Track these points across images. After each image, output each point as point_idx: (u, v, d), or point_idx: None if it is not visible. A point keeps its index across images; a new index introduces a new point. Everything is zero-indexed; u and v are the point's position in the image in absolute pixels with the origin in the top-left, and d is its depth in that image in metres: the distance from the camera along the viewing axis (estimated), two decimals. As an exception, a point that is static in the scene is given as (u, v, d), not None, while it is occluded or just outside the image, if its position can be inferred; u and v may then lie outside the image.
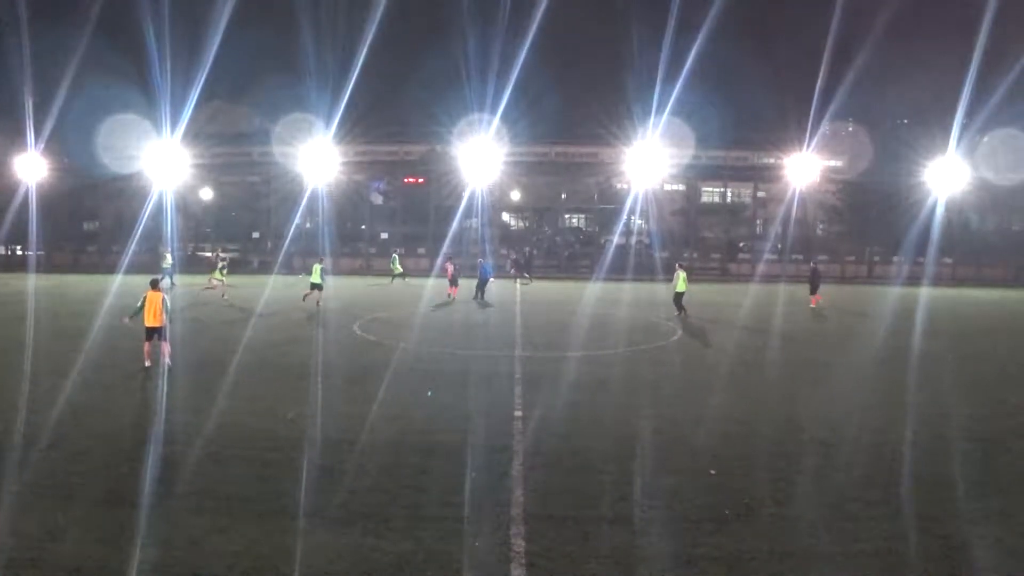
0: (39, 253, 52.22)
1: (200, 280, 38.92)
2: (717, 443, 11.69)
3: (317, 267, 30.30)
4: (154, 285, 17.03)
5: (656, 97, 45.17)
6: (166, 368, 16.24)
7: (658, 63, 43.68)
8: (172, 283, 37.24)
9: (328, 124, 49.58)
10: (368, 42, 43.79)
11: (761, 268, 49.00)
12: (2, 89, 52.99)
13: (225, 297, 31.52)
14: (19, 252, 54.61)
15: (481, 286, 31.44)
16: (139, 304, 16.64)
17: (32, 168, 52.04)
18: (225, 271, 33.51)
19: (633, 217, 55.30)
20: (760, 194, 60.07)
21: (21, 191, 51.51)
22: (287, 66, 61.62)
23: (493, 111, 48.04)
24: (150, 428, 12.40)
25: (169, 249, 41.23)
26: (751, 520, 8.71)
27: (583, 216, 63.79)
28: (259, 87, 59.53)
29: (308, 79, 51.27)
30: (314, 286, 29.45)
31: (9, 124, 52.22)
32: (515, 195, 60.24)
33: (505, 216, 61.85)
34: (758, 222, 60.43)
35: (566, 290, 37.86)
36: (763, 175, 58.06)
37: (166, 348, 16.63)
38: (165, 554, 7.86)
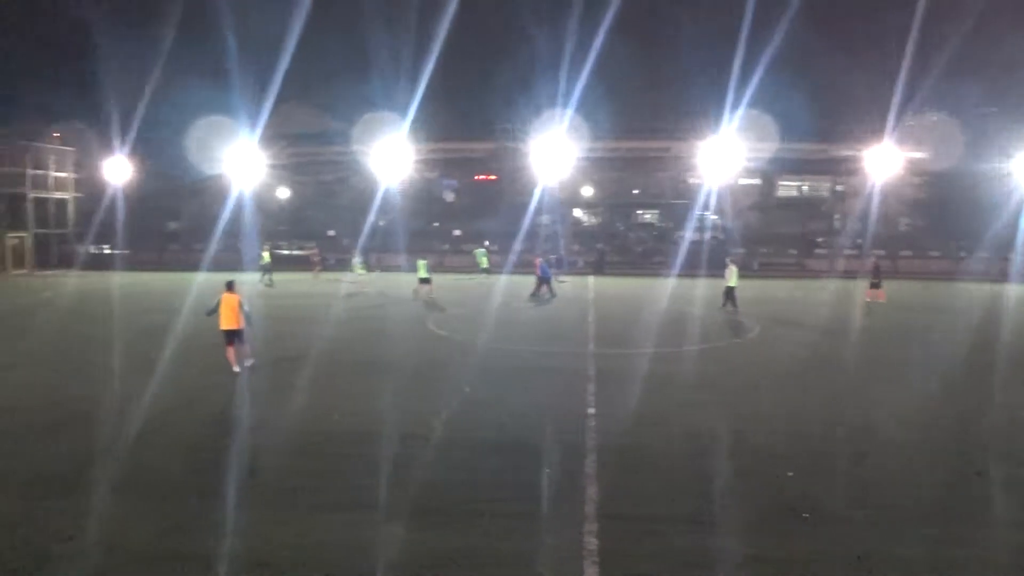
0: (125, 252, 54.32)
1: (293, 277, 40.01)
2: (793, 443, 11.50)
3: (422, 263, 31.70)
4: (230, 287, 16.37)
5: (731, 90, 44.38)
6: (248, 369, 16.37)
7: (733, 55, 42.89)
8: (270, 281, 37.98)
9: (401, 122, 50.15)
10: (441, 40, 44.09)
11: (840, 264, 47.78)
12: (90, 95, 55.07)
13: (366, 291, 32.55)
14: (106, 251, 56.67)
15: (541, 284, 31.29)
16: (213, 304, 16.26)
17: (118, 170, 54.05)
18: (364, 267, 34.46)
19: (707, 212, 54.51)
20: (839, 187, 58.55)
21: (108, 193, 53.63)
22: (360, 66, 62.34)
23: (565, 107, 47.95)
24: (233, 422, 12.79)
25: (267, 247, 42.06)
26: (828, 523, 8.55)
27: (656, 211, 63.10)
28: (333, 87, 60.47)
29: (381, 78, 51.92)
30: (422, 280, 31.09)
31: (97, 128, 54.34)
32: (587, 191, 59.96)
33: (577, 212, 61.59)
34: (836, 216, 58.86)
35: (639, 286, 37.54)
36: (842, 168, 56.40)
37: (246, 350, 16.53)
38: (238, 543, 8.12)
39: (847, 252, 50.40)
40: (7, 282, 43.48)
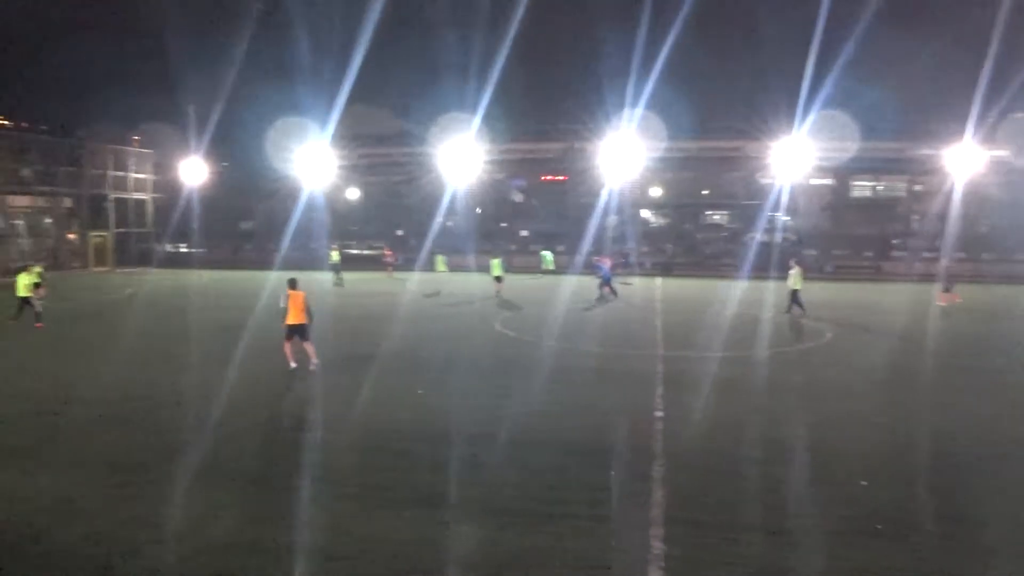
0: (201, 250, 56.01)
1: (363, 276, 40.66)
2: (867, 452, 11.18)
3: (496, 262, 32.17)
4: (292, 284, 16.71)
5: (805, 87, 43.42)
6: (313, 368, 16.54)
7: (808, 52, 41.94)
8: (339, 280, 38.63)
9: (470, 123, 50.44)
10: (510, 40, 44.19)
11: (917, 266, 46.38)
12: (168, 98, 56.82)
13: (446, 289, 33.05)
14: (182, 249, 58.42)
15: (602, 286, 31.05)
16: (282, 304, 16.52)
17: (194, 172, 55.64)
18: (445, 266, 34.93)
19: (778, 213, 53.52)
20: (916, 187, 56.88)
21: (185, 193, 55.28)
22: (431, 67, 63.02)
23: (635, 106, 47.54)
24: (306, 417, 13.02)
25: (336, 247, 42.78)
26: (902, 536, 8.29)
27: (726, 212, 62.21)
28: (404, 89, 61.29)
29: (451, 79, 52.30)
30: (496, 279, 31.66)
31: (174, 131, 56.08)
32: (655, 191, 59.50)
33: (645, 213, 61.13)
34: (914, 217, 57.16)
35: (707, 289, 37.04)
36: (920, 167, 54.73)
37: (310, 348, 16.71)
38: (308, 536, 8.29)
39: (926, 254, 48.86)
40: (90, 279, 45.13)
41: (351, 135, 56.08)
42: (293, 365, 16.42)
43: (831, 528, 8.41)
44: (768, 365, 17.96)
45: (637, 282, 38.37)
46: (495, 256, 33.44)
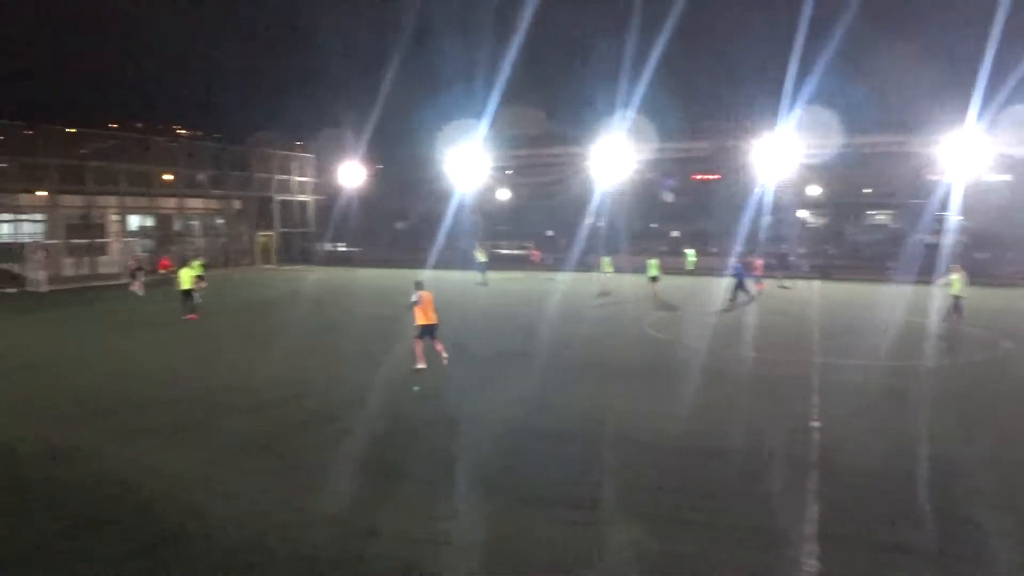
0: (358, 249, 58.38)
1: (510, 275, 41.19)
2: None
3: (653, 261, 32.10)
4: (420, 286, 16.88)
5: (984, 75, 40.25)
6: (445, 363, 16.77)
7: (986, 36, 38.96)
8: (484, 280, 39.25)
9: (620, 123, 50.06)
10: (664, 38, 43.58)
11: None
12: (328, 104, 59.53)
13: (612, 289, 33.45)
14: (341, 248, 60.98)
15: (736, 288, 29.94)
16: (413, 300, 16.73)
17: (353, 174, 57.93)
18: (611, 267, 35.26)
19: (947, 212, 50.18)
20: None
21: (344, 195, 57.70)
22: (582, 67, 63.08)
23: (793, 102, 45.72)
24: (446, 414, 13.21)
25: (482, 246, 43.50)
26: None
27: (889, 212, 58.94)
28: (555, 90, 61.60)
29: (601, 79, 52.18)
30: (652, 279, 31.49)
31: (334, 135, 58.71)
32: (813, 190, 57.07)
33: (802, 213, 58.78)
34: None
35: (868, 293, 35.13)
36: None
37: (440, 347, 16.95)
38: (446, 527, 8.50)
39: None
40: (257, 275, 47.77)
41: (503, 136, 56.80)
42: (422, 366, 16.57)
43: (1002, 556, 7.76)
44: (935, 376, 16.80)
45: (794, 285, 36.76)
46: (652, 257, 33.10)
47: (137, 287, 34.50)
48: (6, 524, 8.68)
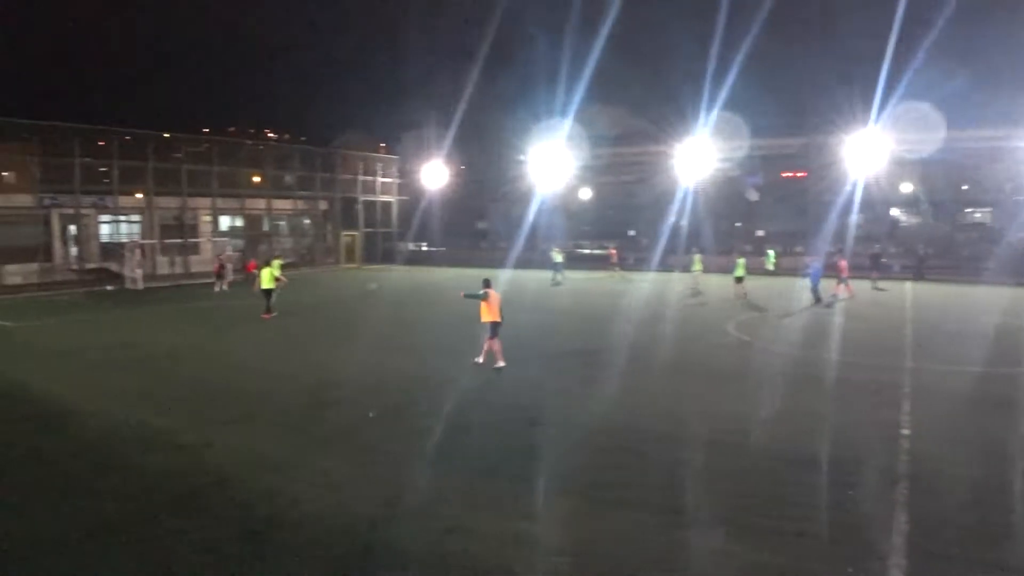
0: (440, 249, 59.01)
1: (585, 275, 41.10)
2: None
3: (741, 261, 31.74)
4: (488, 283, 17.05)
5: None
6: (498, 365, 16.84)
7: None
8: (561, 278, 39.31)
9: (703, 121, 49.29)
10: (750, 36, 42.80)
11: None
12: (411, 107, 60.38)
13: (698, 295, 33.05)
14: (423, 248, 61.74)
15: (815, 289, 29.02)
16: (481, 293, 16.83)
17: (435, 175, 58.57)
18: (701, 266, 35.01)
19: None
20: None
21: (426, 195, 58.38)
22: (664, 66, 62.32)
23: (886, 96, 44.12)
24: (533, 412, 13.17)
25: (559, 247, 43.57)
26: None
27: (988, 210, 56.47)
28: (636, 88, 61.02)
29: (685, 76, 51.44)
30: (737, 279, 30.97)
31: (417, 136, 59.46)
32: (906, 187, 55.08)
33: (895, 211, 56.83)
34: None
35: (965, 295, 33.66)
36: None
37: (497, 347, 17.04)
38: (532, 528, 8.51)
39: None
40: (340, 274, 48.91)
41: (585, 135, 56.51)
42: (502, 364, 16.76)
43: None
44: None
45: (888, 287, 35.45)
46: (740, 256, 32.62)
47: (225, 285, 36.82)
48: (111, 503, 9.18)
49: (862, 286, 33.95)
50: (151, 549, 7.98)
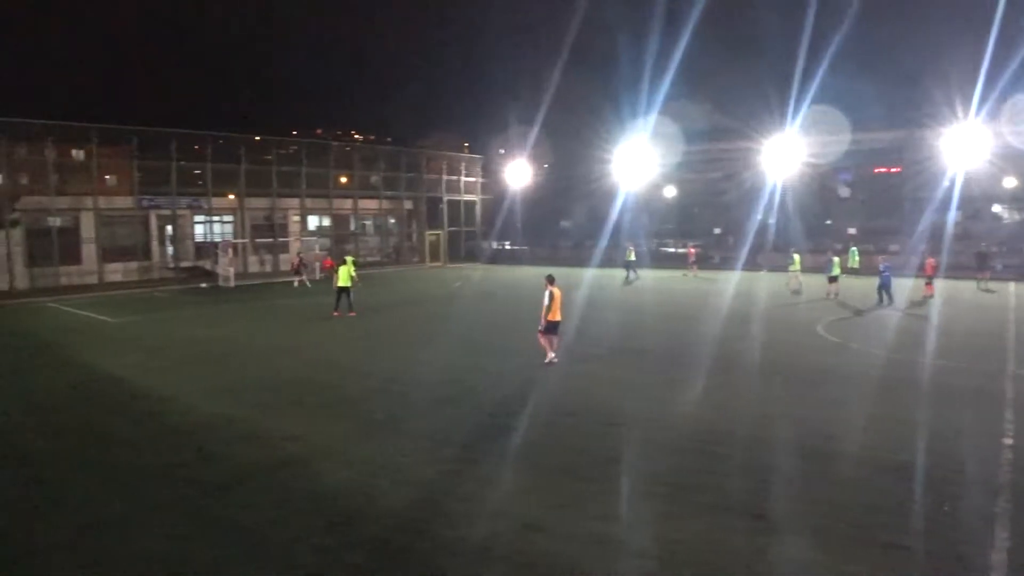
0: (523, 248, 59.16)
1: (665, 274, 40.71)
2: None
3: (837, 260, 31.10)
4: (551, 280, 16.92)
5: None
6: (552, 361, 16.98)
7: None
8: (635, 276, 39.15)
9: (791, 116, 48.08)
10: (841, 30, 41.59)
11: None
12: (495, 106, 60.67)
13: (796, 292, 32.60)
14: (506, 246, 61.96)
15: (883, 290, 27.76)
16: (547, 303, 16.67)
17: (518, 174, 58.69)
18: (798, 265, 34.42)
19: None
20: None
21: (509, 194, 58.62)
22: (748, 59, 61.14)
23: (988, 87, 42.04)
24: (603, 411, 13.00)
25: (633, 245, 43.35)
26: None
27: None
28: (722, 83, 59.98)
29: (771, 72, 50.33)
30: (831, 279, 30.37)
31: (500, 136, 59.82)
32: (1009, 182, 52.51)
33: (997, 208, 54.25)
34: None
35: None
36: None
37: (556, 345, 17.10)
38: (611, 528, 8.41)
39: None
40: (425, 272, 49.49)
41: (670, 132, 55.82)
42: (553, 357, 17.02)
43: None
44: None
45: (995, 288, 33.71)
46: (835, 255, 31.94)
47: (306, 280, 38.62)
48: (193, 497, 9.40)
49: (968, 287, 32.56)
50: (231, 535, 8.21)
